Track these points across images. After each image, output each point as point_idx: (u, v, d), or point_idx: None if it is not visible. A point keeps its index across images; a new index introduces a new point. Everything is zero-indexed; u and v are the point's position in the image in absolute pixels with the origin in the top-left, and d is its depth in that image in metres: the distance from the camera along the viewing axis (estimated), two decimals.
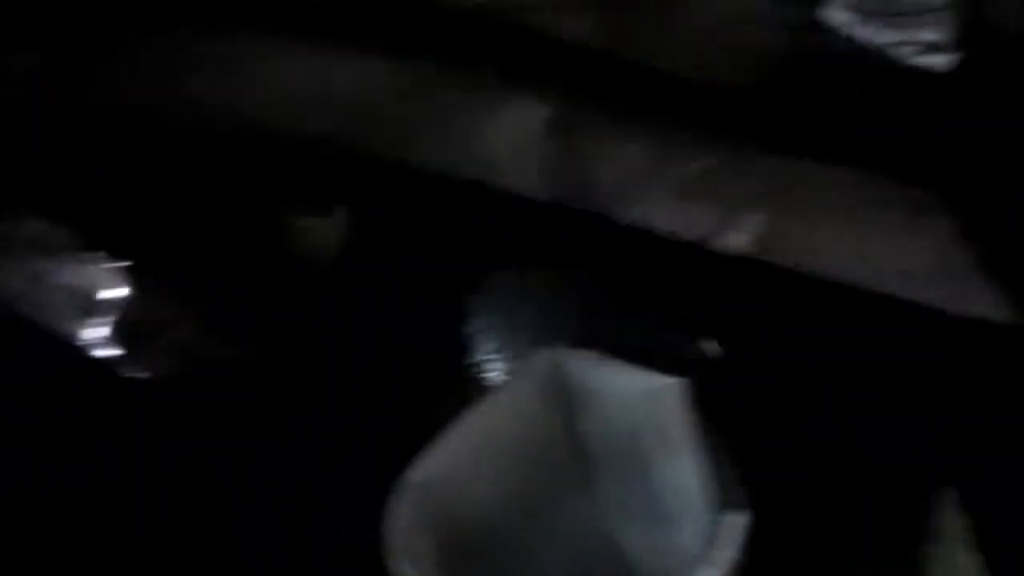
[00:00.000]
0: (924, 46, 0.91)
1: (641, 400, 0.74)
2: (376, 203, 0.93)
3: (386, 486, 0.78)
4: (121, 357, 0.82)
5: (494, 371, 0.90)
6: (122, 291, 0.82)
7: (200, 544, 0.77)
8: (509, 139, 0.90)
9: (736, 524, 0.67)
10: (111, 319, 0.81)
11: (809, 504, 0.80)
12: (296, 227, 0.92)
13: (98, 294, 0.82)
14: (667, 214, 0.89)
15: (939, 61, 0.91)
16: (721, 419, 0.73)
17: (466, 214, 0.92)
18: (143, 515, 0.78)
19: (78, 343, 0.82)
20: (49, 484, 0.78)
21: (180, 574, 0.77)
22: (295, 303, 0.89)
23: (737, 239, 0.87)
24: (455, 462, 0.73)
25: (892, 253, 0.86)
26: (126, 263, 0.83)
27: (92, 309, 0.82)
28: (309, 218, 0.93)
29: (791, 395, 0.85)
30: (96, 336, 0.82)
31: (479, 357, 0.91)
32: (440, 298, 0.92)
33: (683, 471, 0.72)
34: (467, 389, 0.86)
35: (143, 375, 0.82)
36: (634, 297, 0.91)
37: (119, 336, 0.82)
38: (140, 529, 0.77)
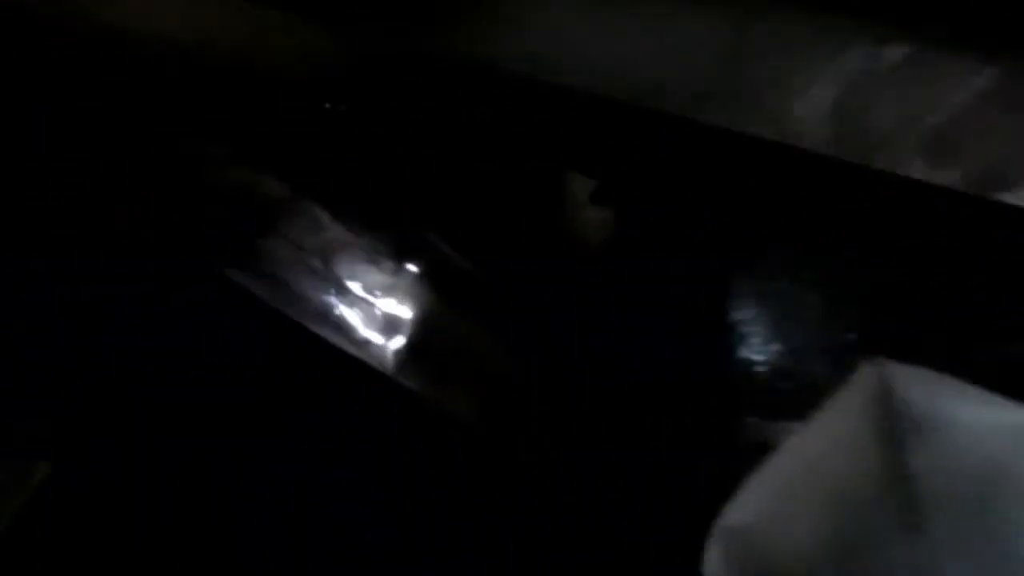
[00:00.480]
0: None
1: (1005, 439, 0.59)
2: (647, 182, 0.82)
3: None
4: (417, 377, 0.78)
5: (765, 366, 0.79)
6: (421, 305, 0.78)
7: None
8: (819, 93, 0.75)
9: None
10: (409, 337, 0.78)
11: None
12: (571, 216, 0.85)
13: (398, 310, 0.78)
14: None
15: None
16: None
17: (746, 187, 0.78)
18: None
19: (375, 362, 0.78)
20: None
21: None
22: (568, 297, 0.83)
23: None
24: (771, 502, 0.63)
25: None
26: (422, 271, 0.78)
27: (392, 326, 0.78)
28: (585, 207, 0.85)
29: None
30: (394, 354, 0.78)
31: (749, 351, 0.81)
32: (710, 282, 0.82)
33: None
34: (734, 385, 0.78)
35: (438, 400, 0.78)
36: (942, 285, 0.75)
37: (417, 355, 0.78)
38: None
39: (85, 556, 0.76)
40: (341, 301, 0.78)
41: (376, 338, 0.78)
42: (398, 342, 0.78)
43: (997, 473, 0.56)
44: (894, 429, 0.58)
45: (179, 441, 0.80)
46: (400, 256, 0.79)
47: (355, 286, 0.79)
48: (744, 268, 0.82)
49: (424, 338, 0.78)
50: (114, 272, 0.78)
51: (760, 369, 0.79)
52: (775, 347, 0.79)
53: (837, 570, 0.58)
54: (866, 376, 0.58)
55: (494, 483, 0.80)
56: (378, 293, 0.78)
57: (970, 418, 0.57)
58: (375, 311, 0.78)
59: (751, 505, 0.62)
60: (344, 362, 0.83)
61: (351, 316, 0.78)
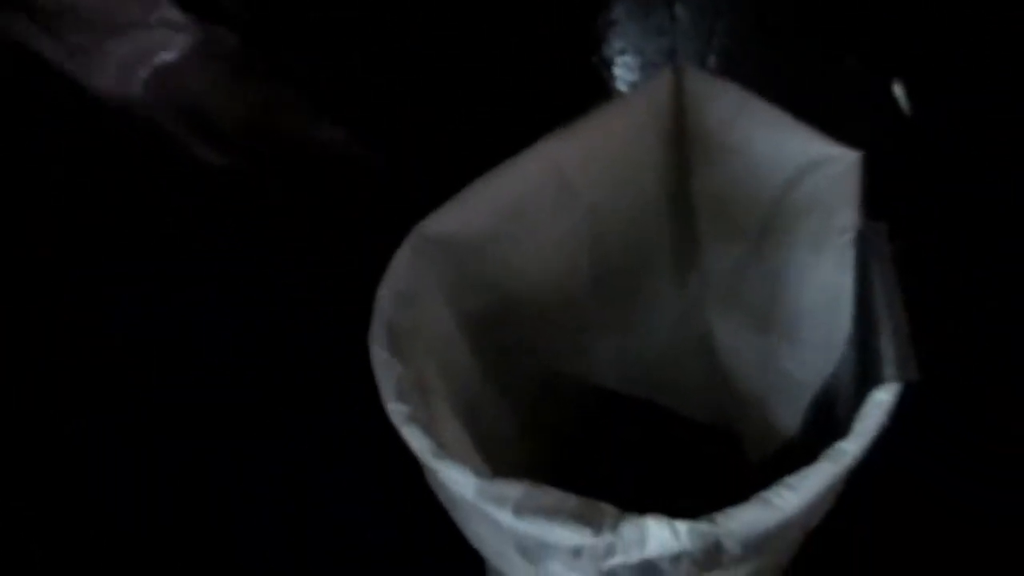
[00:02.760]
0: None
1: (790, 167, 0.53)
2: None
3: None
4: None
5: (623, 75, 0.74)
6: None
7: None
8: None
9: (889, 393, 0.44)
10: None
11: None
12: None
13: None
14: None
15: None
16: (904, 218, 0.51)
17: None
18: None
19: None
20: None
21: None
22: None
23: None
24: (499, 212, 0.54)
25: None
26: None
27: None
28: None
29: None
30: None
31: (608, 54, 0.76)
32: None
33: (826, 276, 0.52)
34: (589, 87, 0.72)
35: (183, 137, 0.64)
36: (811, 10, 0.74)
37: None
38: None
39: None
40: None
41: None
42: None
43: (782, 206, 0.53)
44: (683, 146, 0.54)
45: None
46: None
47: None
48: None
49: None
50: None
51: (618, 76, 0.76)
52: (637, 57, 0.76)
53: (580, 292, 0.58)
54: (660, 82, 0.52)
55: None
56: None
57: (764, 143, 0.52)
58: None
59: (469, 212, 0.52)
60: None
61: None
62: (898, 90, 0.75)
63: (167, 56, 0.60)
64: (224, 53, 0.61)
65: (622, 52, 0.79)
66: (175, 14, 0.59)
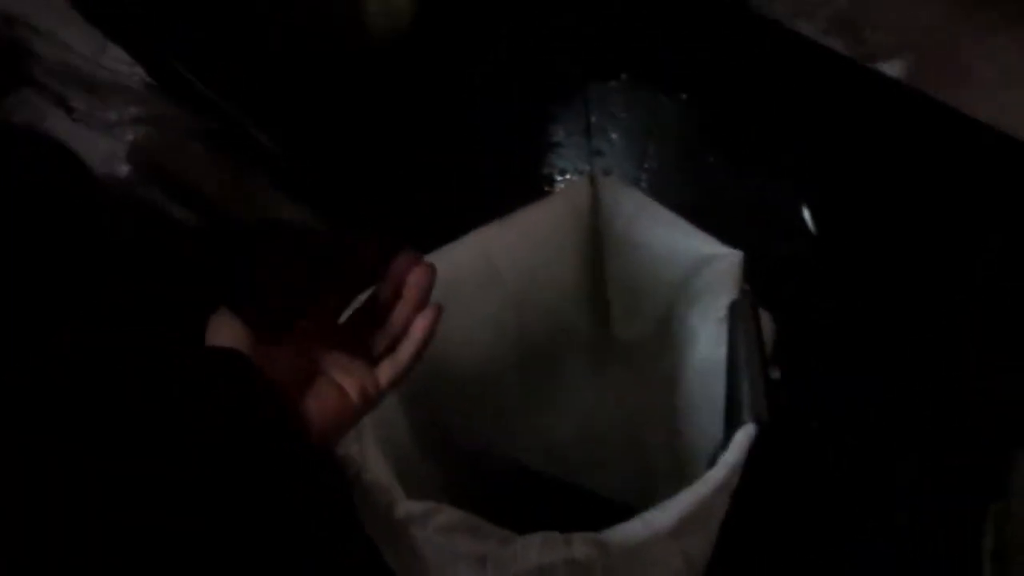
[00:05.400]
0: None
1: (687, 262, 0.64)
2: None
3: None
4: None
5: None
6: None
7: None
8: None
9: (747, 432, 0.52)
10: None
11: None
12: None
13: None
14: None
15: None
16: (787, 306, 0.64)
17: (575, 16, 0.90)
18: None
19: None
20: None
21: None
22: (352, 86, 0.81)
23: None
24: (435, 288, 0.59)
25: None
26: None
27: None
28: None
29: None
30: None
31: (550, 173, 0.85)
32: (527, 97, 0.87)
33: (709, 347, 0.61)
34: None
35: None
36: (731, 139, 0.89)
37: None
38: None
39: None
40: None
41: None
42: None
43: (677, 293, 0.66)
44: (597, 242, 0.67)
45: None
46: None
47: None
48: (566, 93, 0.92)
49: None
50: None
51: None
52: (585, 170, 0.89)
53: (517, 376, 0.69)
54: (580, 187, 0.65)
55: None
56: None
57: (664, 239, 0.65)
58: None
59: None
60: None
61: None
62: (806, 213, 0.89)
63: (149, 135, 0.67)
64: (202, 135, 0.69)
65: (563, 172, 0.90)
66: (155, 100, 0.67)
